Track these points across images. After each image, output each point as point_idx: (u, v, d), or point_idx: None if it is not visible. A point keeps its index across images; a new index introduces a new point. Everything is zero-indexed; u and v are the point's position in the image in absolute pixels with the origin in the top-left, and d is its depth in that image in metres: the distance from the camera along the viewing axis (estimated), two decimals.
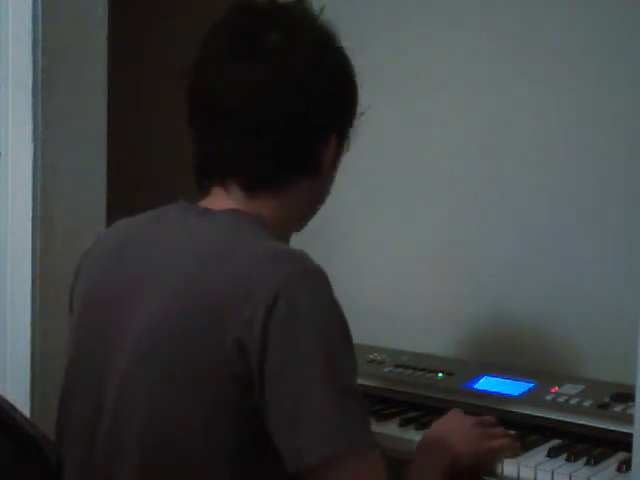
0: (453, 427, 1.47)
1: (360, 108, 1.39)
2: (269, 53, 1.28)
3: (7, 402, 1.37)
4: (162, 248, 1.29)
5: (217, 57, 1.31)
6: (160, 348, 1.21)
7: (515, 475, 1.54)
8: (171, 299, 1.22)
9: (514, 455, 1.55)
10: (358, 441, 1.17)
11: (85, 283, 1.36)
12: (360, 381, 1.93)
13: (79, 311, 1.35)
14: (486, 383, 1.87)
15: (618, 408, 1.69)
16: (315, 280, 1.20)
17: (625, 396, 1.70)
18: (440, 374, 1.93)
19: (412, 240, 2.28)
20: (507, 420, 1.68)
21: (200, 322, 1.18)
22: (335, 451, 1.15)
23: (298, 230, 1.43)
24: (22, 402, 1.87)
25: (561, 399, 1.76)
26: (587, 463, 1.55)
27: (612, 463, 1.56)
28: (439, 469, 1.37)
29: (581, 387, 1.80)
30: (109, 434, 1.24)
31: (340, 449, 1.15)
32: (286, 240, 1.36)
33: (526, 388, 1.82)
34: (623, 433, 1.56)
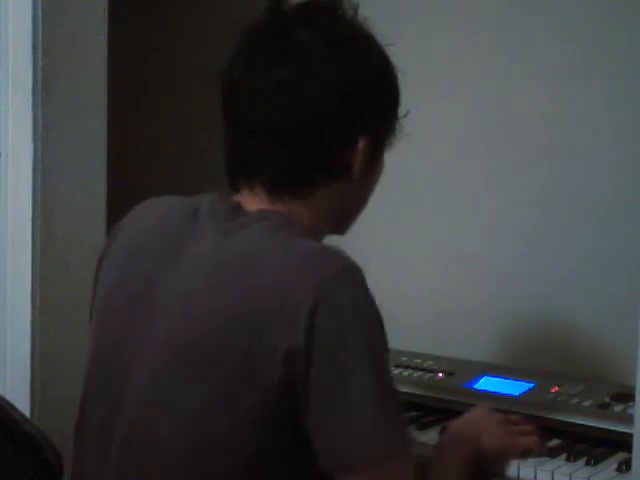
0: (480, 421, 1.46)
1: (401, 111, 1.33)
2: (291, 52, 1.24)
3: (7, 402, 1.37)
4: (195, 246, 1.25)
5: (243, 58, 1.27)
6: (191, 351, 1.18)
7: (515, 475, 1.54)
8: (203, 301, 1.19)
9: (540, 455, 1.54)
10: (399, 444, 1.17)
11: (109, 274, 1.32)
12: None
13: (101, 304, 1.32)
14: (486, 383, 1.87)
15: (618, 408, 1.69)
16: (354, 278, 1.18)
17: (625, 396, 1.70)
18: (440, 374, 1.92)
19: (413, 240, 2.28)
20: None
21: (236, 325, 1.16)
22: (378, 453, 1.15)
23: (341, 233, 1.38)
24: (22, 402, 1.87)
25: (561, 399, 1.76)
26: (587, 463, 1.55)
27: (612, 463, 1.56)
28: (463, 459, 1.36)
29: (581, 387, 1.80)
30: (134, 437, 1.21)
31: (383, 451, 1.15)
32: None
33: (526, 388, 1.82)
34: (623, 433, 1.56)
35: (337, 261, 1.18)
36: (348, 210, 1.35)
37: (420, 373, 1.94)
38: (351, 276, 1.18)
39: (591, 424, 1.67)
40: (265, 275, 1.17)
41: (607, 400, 1.73)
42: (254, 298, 1.16)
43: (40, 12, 1.89)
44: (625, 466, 1.52)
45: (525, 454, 1.51)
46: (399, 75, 1.33)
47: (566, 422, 1.69)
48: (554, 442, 1.65)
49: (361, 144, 1.26)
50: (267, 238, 1.22)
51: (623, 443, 1.54)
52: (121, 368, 1.25)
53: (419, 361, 2.00)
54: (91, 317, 1.35)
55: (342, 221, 1.36)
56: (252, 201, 1.27)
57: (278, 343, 1.13)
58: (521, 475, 1.54)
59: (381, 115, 1.30)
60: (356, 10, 1.29)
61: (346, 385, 1.14)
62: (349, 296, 1.16)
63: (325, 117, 1.24)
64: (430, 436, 1.66)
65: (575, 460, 1.56)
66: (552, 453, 1.58)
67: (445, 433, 1.46)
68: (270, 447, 1.17)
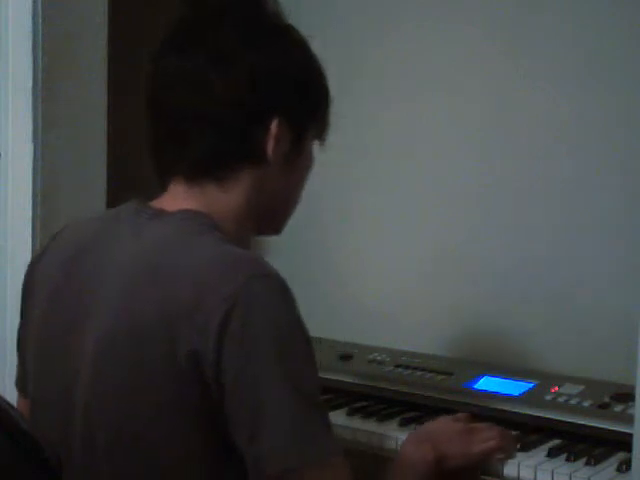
0: (440, 428, 1.45)
1: (329, 101, 1.36)
2: (205, 40, 1.28)
3: (6, 402, 1.37)
4: (115, 253, 1.27)
5: (159, 49, 1.33)
6: (116, 355, 1.20)
7: (515, 475, 1.54)
8: (123, 306, 1.20)
9: (511, 457, 1.54)
10: (317, 451, 1.15)
11: (42, 290, 1.35)
12: (361, 381, 1.93)
13: (39, 320, 1.34)
14: (486, 383, 1.87)
15: (618, 408, 1.69)
16: (271, 286, 1.17)
17: (625, 396, 1.69)
18: (440, 374, 1.92)
19: (412, 240, 2.28)
20: (507, 420, 1.68)
21: (153, 330, 1.16)
22: (293, 461, 1.13)
23: (275, 232, 1.39)
24: None
25: (561, 399, 1.76)
26: (587, 463, 1.55)
27: (612, 463, 1.56)
28: (423, 466, 1.35)
29: (581, 387, 1.80)
30: (82, 443, 1.24)
31: (298, 459, 1.14)
32: (244, 241, 1.32)
33: (526, 388, 1.82)
34: (623, 433, 1.56)
35: (255, 268, 1.18)
36: (272, 201, 1.34)
37: (420, 373, 1.94)
38: (268, 283, 1.17)
39: (591, 424, 1.67)
40: (180, 278, 1.17)
41: (607, 400, 1.73)
42: (168, 301, 1.16)
43: (40, 12, 1.89)
44: (625, 466, 1.52)
45: (496, 456, 1.49)
46: (323, 66, 1.35)
47: (566, 422, 1.69)
48: (554, 442, 1.65)
49: (274, 126, 1.28)
50: (187, 240, 1.23)
51: (623, 443, 1.54)
52: (67, 374, 1.27)
53: (419, 361, 2.00)
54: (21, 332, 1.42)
55: (268, 215, 1.36)
56: (174, 197, 1.29)
57: (190, 346, 1.13)
58: (521, 475, 1.53)
59: (297, 101, 1.32)
60: (276, 1, 1.33)
61: (254, 395, 1.13)
62: (263, 304, 1.15)
63: (236, 100, 1.26)
64: None
65: (575, 460, 1.56)
66: (552, 453, 1.58)
67: (401, 447, 1.43)
68: (207, 443, 1.17)
